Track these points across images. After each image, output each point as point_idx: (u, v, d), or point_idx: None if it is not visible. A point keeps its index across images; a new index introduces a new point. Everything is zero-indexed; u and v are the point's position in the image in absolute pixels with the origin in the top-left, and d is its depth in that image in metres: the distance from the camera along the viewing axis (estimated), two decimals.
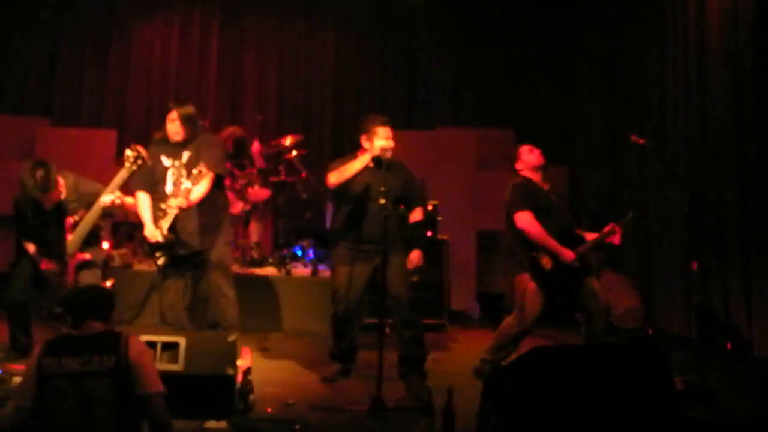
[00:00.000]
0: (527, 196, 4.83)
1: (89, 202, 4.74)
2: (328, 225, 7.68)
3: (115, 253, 6.43)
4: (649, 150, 5.53)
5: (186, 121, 4.76)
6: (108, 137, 7.45)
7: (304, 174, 7.09)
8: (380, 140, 4.60)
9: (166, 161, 4.78)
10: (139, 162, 4.63)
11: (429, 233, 6.58)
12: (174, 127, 4.76)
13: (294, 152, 7.05)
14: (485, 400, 3.52)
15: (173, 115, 4.76)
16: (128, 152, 4.67)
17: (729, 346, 5.76)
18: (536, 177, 4.99)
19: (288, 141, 7.09)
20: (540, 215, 4.78)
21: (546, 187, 5.01)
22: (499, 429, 3.49)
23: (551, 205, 4.90)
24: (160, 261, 4.69)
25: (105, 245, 4.75)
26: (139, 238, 6.55)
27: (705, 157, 6.27)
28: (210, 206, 4.76)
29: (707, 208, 6.06)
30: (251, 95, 8.60)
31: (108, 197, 4.64)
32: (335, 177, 4.65)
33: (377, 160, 4.59)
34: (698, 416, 3.90)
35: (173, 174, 4.74)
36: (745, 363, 5.51)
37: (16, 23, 8.15)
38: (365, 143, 4.68)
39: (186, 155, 4.76)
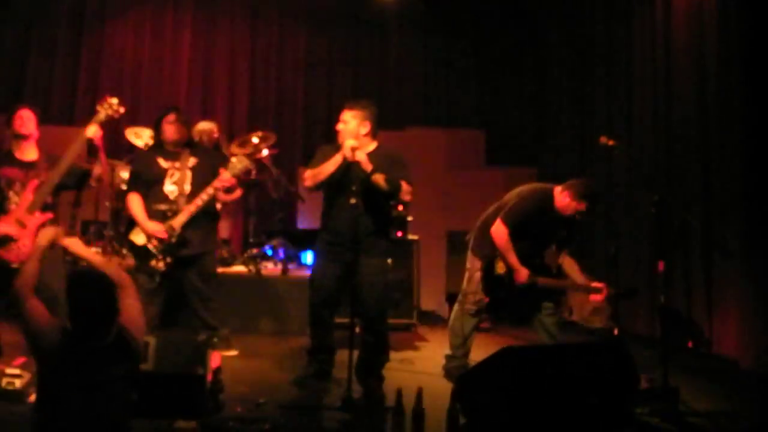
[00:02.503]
0: (523, 219, 4.80)
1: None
2: (299, 224, 7.71)
3: None
4: (619, 151, 5.56)
5: (183, 122, 4.99)
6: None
7: (275, 173, 7.07)
8: (347, 138, 4.44)
9: (163, 163, 4.89)
10: (113, 107, 4.67)
11: (399, 233, 6.61)
12: (173, 128, 4.93)
13: (265, 151, 7.02)
14: (455, 399, 3.56)
15: (171, 117, 4.94)
16: (98, 107, 4.71)
17: (690, 344, 5.90)
18: (562, 206, 4.86)
19: (256, 139, 7.04)
20: (528, 237, 4.83)
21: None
22: (469, 429, 3.53)
23: (545, 236, 4.93)
24: (161, 264, 4.64)
25: None
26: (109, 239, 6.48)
27: (671, 159, 6.38)
28: (210, 210, 4.94)
29: (672, 210, 6.17)
30: (223, 93, 8.55)
31: (92, 129, 4.60)
32: (310, 180, 4.53)
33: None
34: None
35: (172, 174, 4.85)
36: (704, 360, 5.65)
37: None
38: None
39: (192, 160, 4.92)
